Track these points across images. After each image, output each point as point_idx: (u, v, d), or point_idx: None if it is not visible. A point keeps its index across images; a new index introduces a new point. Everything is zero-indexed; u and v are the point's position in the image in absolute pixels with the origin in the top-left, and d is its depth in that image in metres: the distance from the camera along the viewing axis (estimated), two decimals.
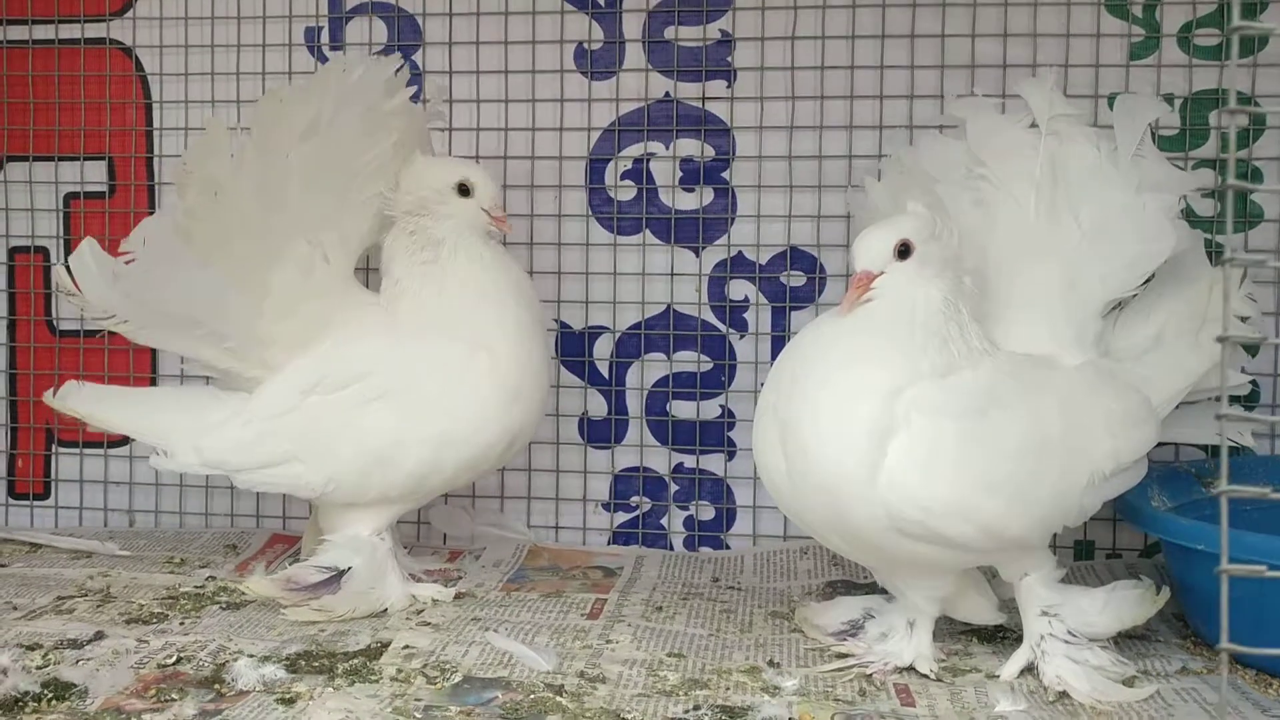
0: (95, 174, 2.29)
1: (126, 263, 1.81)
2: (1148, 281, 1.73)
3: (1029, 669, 1.58)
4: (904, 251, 1.54)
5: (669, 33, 2.14)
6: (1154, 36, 2.04)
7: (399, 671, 1.56)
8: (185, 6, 2.25)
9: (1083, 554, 2.09)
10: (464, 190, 1.85)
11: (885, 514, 1.49)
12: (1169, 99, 2.02)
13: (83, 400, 1.88)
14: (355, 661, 1.60)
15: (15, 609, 1.81)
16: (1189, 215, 1.97)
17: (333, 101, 1.79)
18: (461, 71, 2.19)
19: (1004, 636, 1.72)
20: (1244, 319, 1.78)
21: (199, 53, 2.25)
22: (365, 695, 1.48)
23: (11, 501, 2.34)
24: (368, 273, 1.97)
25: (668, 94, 2.14)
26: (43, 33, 2.28)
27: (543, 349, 1.91)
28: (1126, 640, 1.68)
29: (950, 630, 1.75)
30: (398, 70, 1.86)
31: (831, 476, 1.50)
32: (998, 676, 1.57)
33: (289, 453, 1.81)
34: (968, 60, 2.08)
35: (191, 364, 1.89)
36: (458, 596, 1.88)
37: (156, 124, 2.27)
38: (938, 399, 1.51)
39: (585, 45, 2.17)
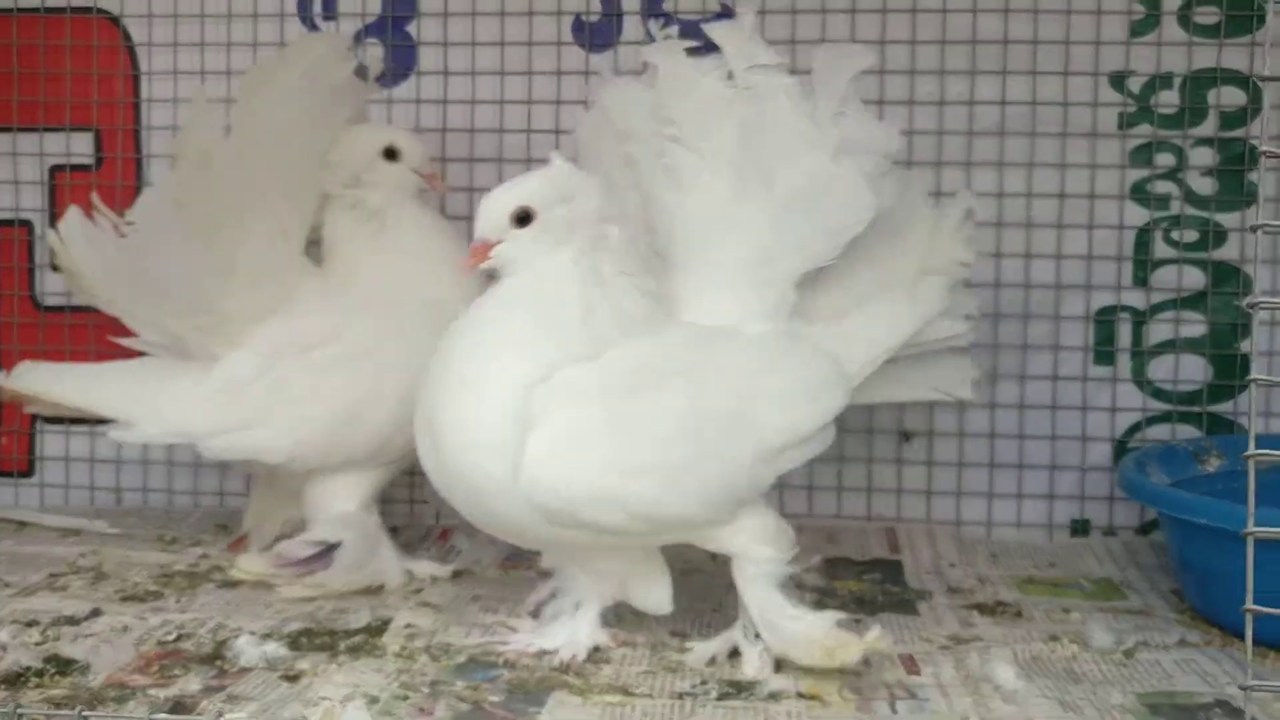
0: (82, 146, 2.25)
1: (124, 235, 1.82)
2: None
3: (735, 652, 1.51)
4: (523, 218, 1.45)
5: (668, 5, 2.12)
6: (1154, 14, 2.04)
7: (403, 649, 1.55)
8: None
9: (1079, 531, 2.10)
10: (390, 154, 1.87)
11: (531, 508, 1.42)
12: (1168, 77, 2.03)
13: (39, 379, 1.87)
14: (357, 639, 1.58)
15: (8, 585, 1.78)
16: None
17: (303, 71, 1.81)
18: (457, 43, 2.16)
19: (1004, 610, 1.73)
20: (964, 264, 1.66)
21: (189, 22, 2.20)
22: (371, 670, 1.47)
23: None
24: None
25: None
26: (28, 1, 2.23)
27: None
28: (1126, 615, 1.69)
29: (951, 604, 1.76)
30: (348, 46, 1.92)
31: (472, 472, 1.43)
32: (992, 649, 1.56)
33: (254, 417, 1.80)
34: (968, 35, 2.07)
35: (149, 341, 1.88)
36: (455, 574, 1.87)
37: (145, 96, 2.23)
38: (580, 384, 1.44)
39: (583, 17, 2.15)
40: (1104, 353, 2.09)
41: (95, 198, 1.89)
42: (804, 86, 1.55)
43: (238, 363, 1.80)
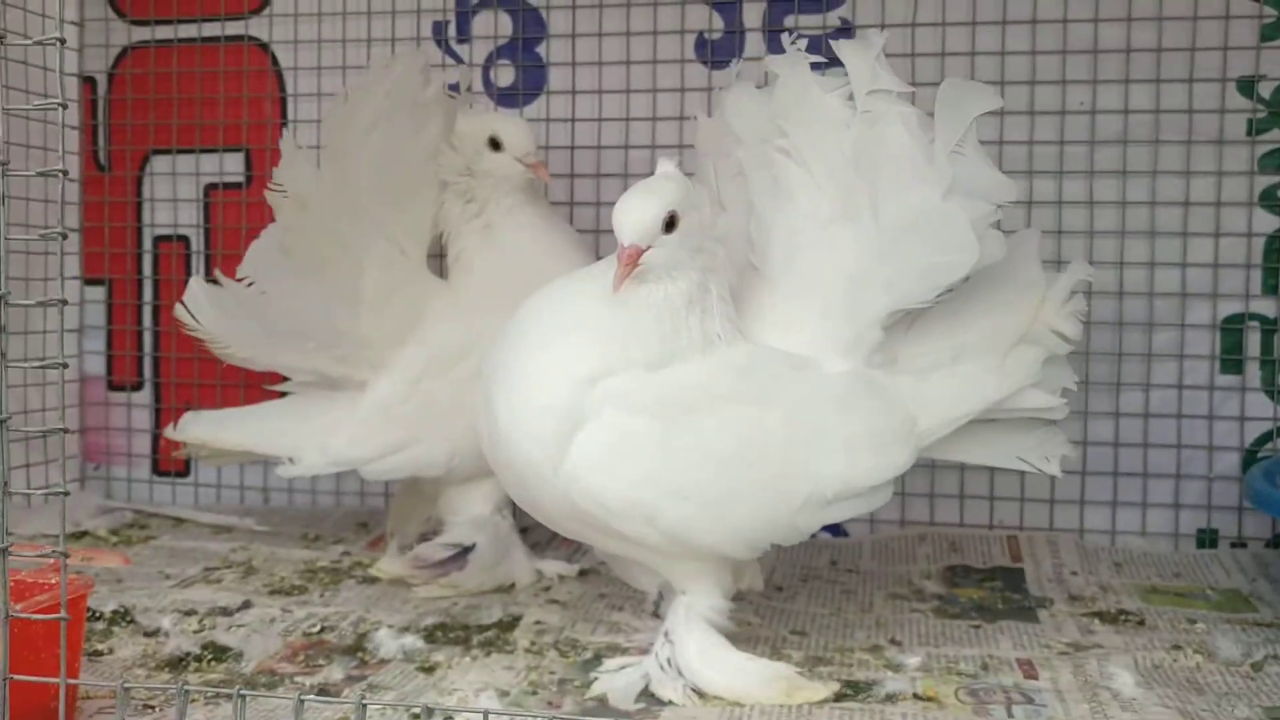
0: (233, 165, 2.40)
1: (247, 285, 1.92)
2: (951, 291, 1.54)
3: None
4: (670, 224, 1.41)
5: (789, 21, 2.17)
6: None
7: (532, 644, 1.62)
8: (319, 3, 2.34)
9: (1206, 543, 2.08)
10: (495, 144, 1.92)
11: (568, 504, 1.41)
12: None
13: (201, 426, 1.97)
14: (489, 634, 1.66)
15: (168, 578, 1.91)
16: None
17: (384, 96, 1.87)
18: (584, 63, 2.25)
19: (1126, 618, 1.73)
20: (1066, 340, 1.56)
21: (331, 47, 2.33)
22: (501, 667, 1.54)
23: (155, 479, 2.46)
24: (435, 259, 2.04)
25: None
26: (186, 31, 2.39)
27: None
28: (1255, 628, 1.67)
29: (1072, 612, 1.76)
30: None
31: (518, 457, 1.42)
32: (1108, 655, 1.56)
33: (410, 438, 1.89)
34: (1089, 45, 2.07)
35: (299, 381, 1.97)
36: (582, 573, 1.94)
37: (291, 116, 2.37)
38: (637, 392, 1.41)
39: (706, 35, 2.21)
40: (1231, 361, 2.07)
41: (218, 273, 1.97)
42: (923, 119, 1.49)
43: (386, 388, 1.89)
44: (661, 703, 1.42)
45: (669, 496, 1.40)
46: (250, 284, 1.92)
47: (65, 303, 1.02)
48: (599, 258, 1.78)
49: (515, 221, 1.93)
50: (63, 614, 1.01)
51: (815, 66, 1.57)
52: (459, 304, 1.92)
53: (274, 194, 1.86)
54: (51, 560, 1.39)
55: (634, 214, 1.41)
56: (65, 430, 1.02)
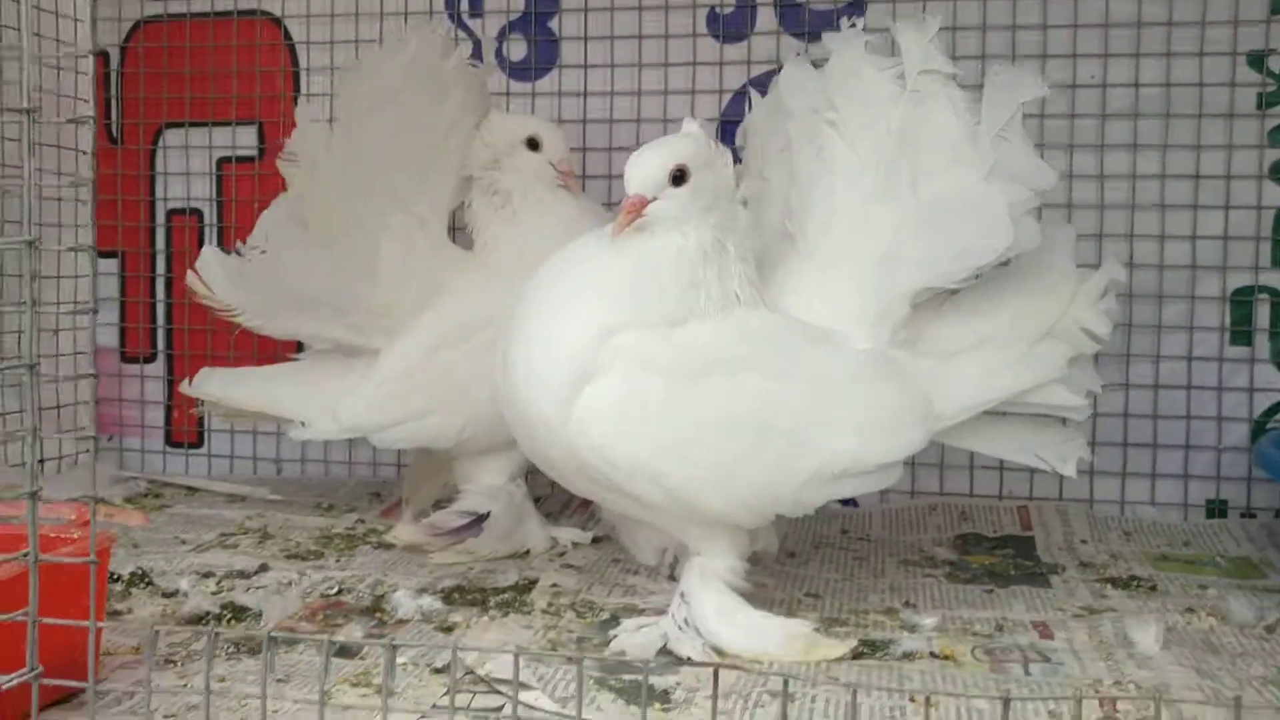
0: (246, 139, 2.41)
1: (261, 253, 1.93)
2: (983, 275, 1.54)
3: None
4: (678, 178, 1.42)
5: None
6: None
7: (549, 605, 1.63)
8: None
9: (1215, 512, 2.09)
10: (533, 144, 1.92)
11: (574, 459, 1.41)
12: None
13: (217, 384, 1.99)
14: (506, 595, 1.67)
15: (184, 543, 1.93)
16: None
17: (401, 66, 1.88)
18: (596, 37, 2.26)
19: (1138, 584, 1.74)
20: (1096, 339, 1.56)
21: (344, 21, 2.34)
22: (519, 627, 1.56)
23: (169, 449, 2.47)
24: (454, 234, 2.05)
25: (799, 54, 2.17)
26: (199, 5, 2.39)
27: None
28: (1266, 593, 1.69)
29: (1084, 578, 1.77)
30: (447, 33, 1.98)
31: (530, 409, 1.42)
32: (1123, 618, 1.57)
33: (424, 407, 1.89)
34: (1100, 19, 2.08)
35: (318, 344, 1.98)
36: (595, 540, 1.95)
37: (304, 90, 2.38)
38: (650, 349, 1.41)
39: (717, 9, 2.22)
40: (1241, 333, 2.08)
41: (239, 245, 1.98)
42: (971, 102, 1.51)
43: (401, 353, 1.89)
44: (680, 659, 1.43)
45: (675, 457, 1.41)
46: (263, 252, 1.92)
47: (94, 248, 1.03)
48: None
49: (541, 209, 1.92)
50: (92, 557, 1.02)
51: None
52: (481, 276, 1.92)
53: (286, 163, 1.87)
54: (74, 517, 1.41)
55: (641, 164, 1.44)
56: (94, 375, 1.03)
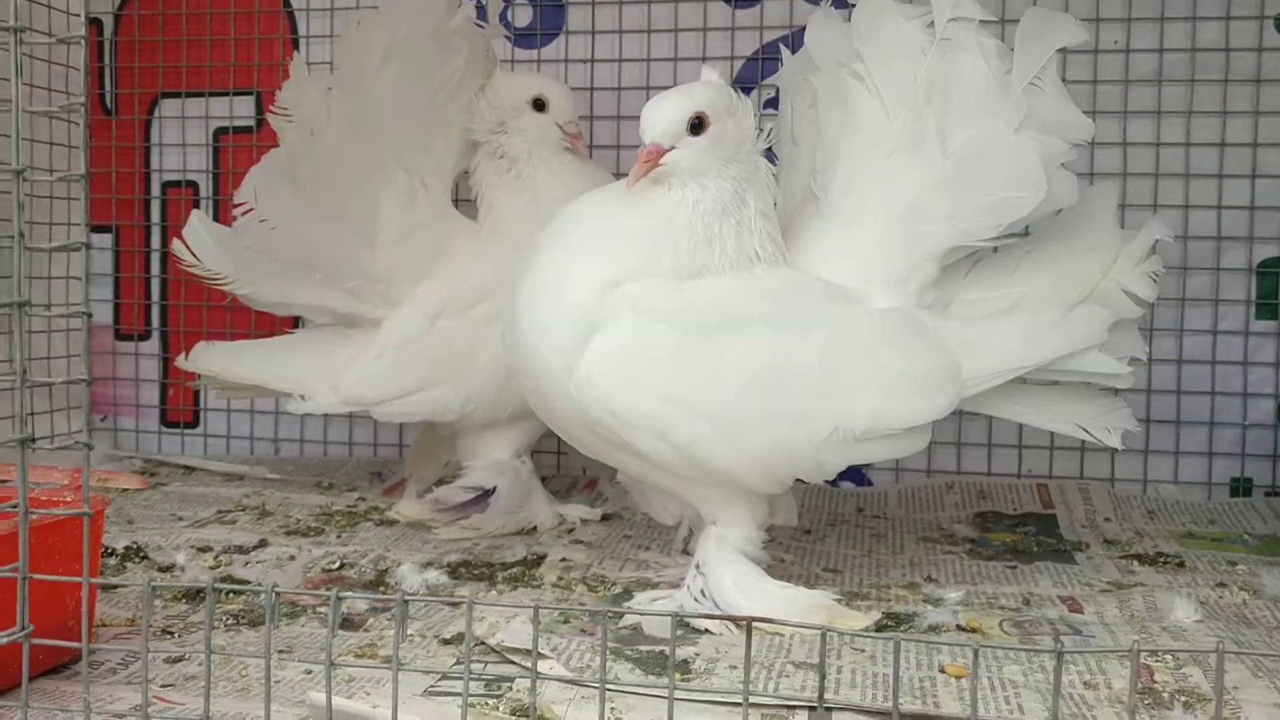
0: (244, 109, 2.35)
1: (243, 214, 1.86)
2: (1023, 234, 1.50)
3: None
4: (697, 126, 1.36)
5: None
6: None
7: (560, 579, 1.58)
8: None
9: (1240, 490, 2.04)
10: (539, 105, 1.87)
11: (580, 411, 1.36)
12: None
13: (214, 358, 1.92)
14: (515, 570, 1.62)
15: (181, 519, 1.86)
16: None
17: (404, 25, 1.82)
18: (604, 2, 2.20)
19: (1165, 560, 1.69)
20: (1140, 302, 1.50)
21: None
22: (529, 600, 1.50)
23: (164, 429, 2.41)
24: (458, 205, 1.99)
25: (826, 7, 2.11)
26: None
27: None
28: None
29: (1109, 555, 1.72)
30: None
31: (535, 361, 1.38)
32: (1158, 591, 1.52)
33: (425, 379, 1.83)
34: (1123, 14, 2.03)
35: (315, 316, 1.92)
36: (604, 517, 1.89)
37: (303, 59, 2.29)
38: (661, 300, 1.35)
39: None
40: (1267, 306, 2.03)
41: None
42: (1003, 50, 1.44)
43: (401, 325, 1.83)
44: (698, 631, 1.37)
45: (683, 412, 1.35)
46: (249, 211, 1.85)
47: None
48: None
49: (548, 172, 1.87)
50: (85, 509, 0.96)
51: None
52: (485, 244, 1.87)
53: (279, 119, 1.80)
54: (66, 481, 1.36)
55: (658, 112, 1.38)
56: (88, 313, 0.97)
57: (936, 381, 1.43)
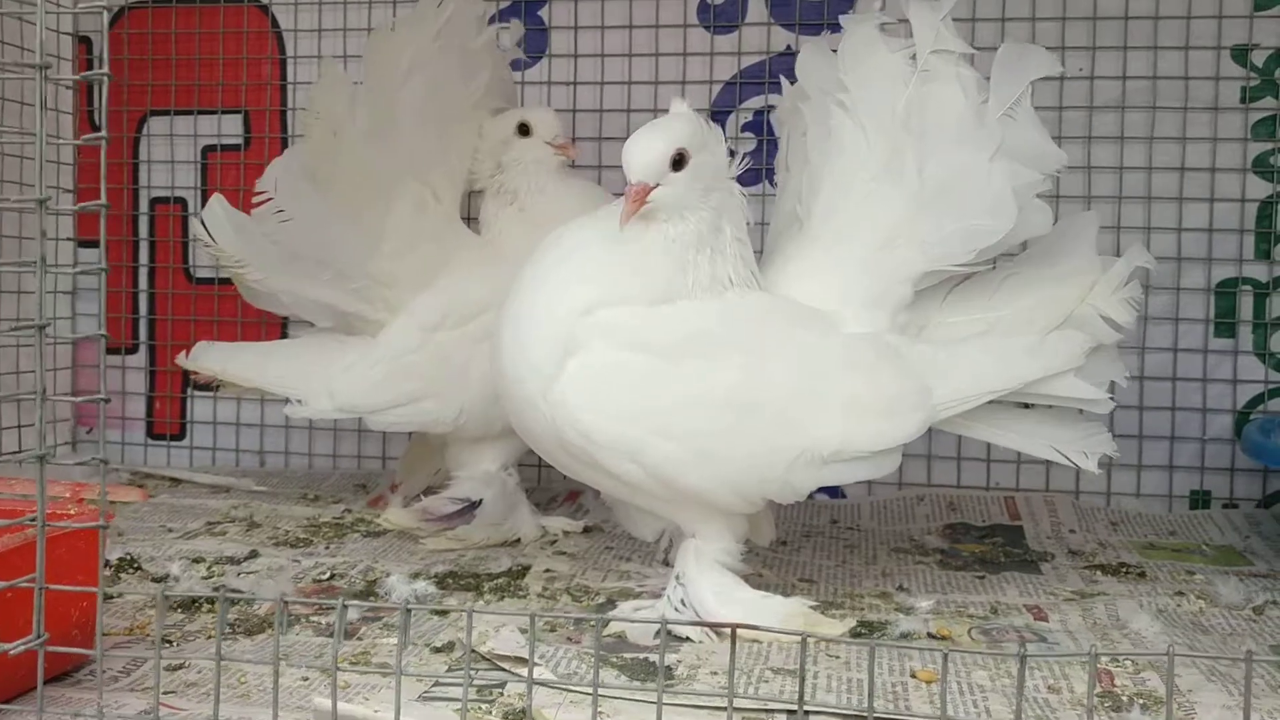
0: (232, 127, 2.39)
1: (260, 203, 1.91)
2: (993, 263, 1.54)
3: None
4: (678, 162, 1.41)
5: None
6: None
7: (545, 589, 1.63)
8: None
9: (1199, 502, 2.12)
10: (524, 130, 1.93)
11: (555, 433, 1.42)
12: None
13: (214, 359, 1.95)
14: (501, 581, 1.66)
15: (171, 531, 1.90)
16: None
17: (432, 38, 1.87)
18: (587, 26, 2.26)
19: (1127, 570, 1.75)
20: (1117, 328, 1.53)
21: (332, 9, 2.34)
22: (516, 610, 1.55)
23: (150, 442, 2.45)
24: (467, 222, 2.04)
25: (789, 47, 2.18)
26: None
27: None
28: (1252, 578, 1.70)
29: (1074, 565, 1.78)
30: (483, 12, 1.96)
31: (515, 384, 1.44)
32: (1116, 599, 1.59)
33: (420, 390, 1.88)
34: (1089, 11, 2.10)
35: (318, 315, 1.96)
36: (586, 529, 1.94)
37: (291, 78, 2.36)
38: (632, 326, 1.41)
39: (708, 0, 2.22)
40: (1225, 325, 2.10)
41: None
42: (981, 82, 1.49)
43: (399, 335, 1.88)
44: (679, 639, 1.43)
45: (654, 434, 1.40)
46: (268, 200, 1.90)
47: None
48: None
49: (547, 198, 1.92)
50: (102, 521, 1.01)
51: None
52: (485, 264, 1.90)
53: (307, 115, 1.85)
54: (69, 495, 1.40)
55: (641, 151, 1.41)
56: (104, 335, 1.02)
57: (906, 405, 1.47)
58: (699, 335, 1.43)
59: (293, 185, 1.89)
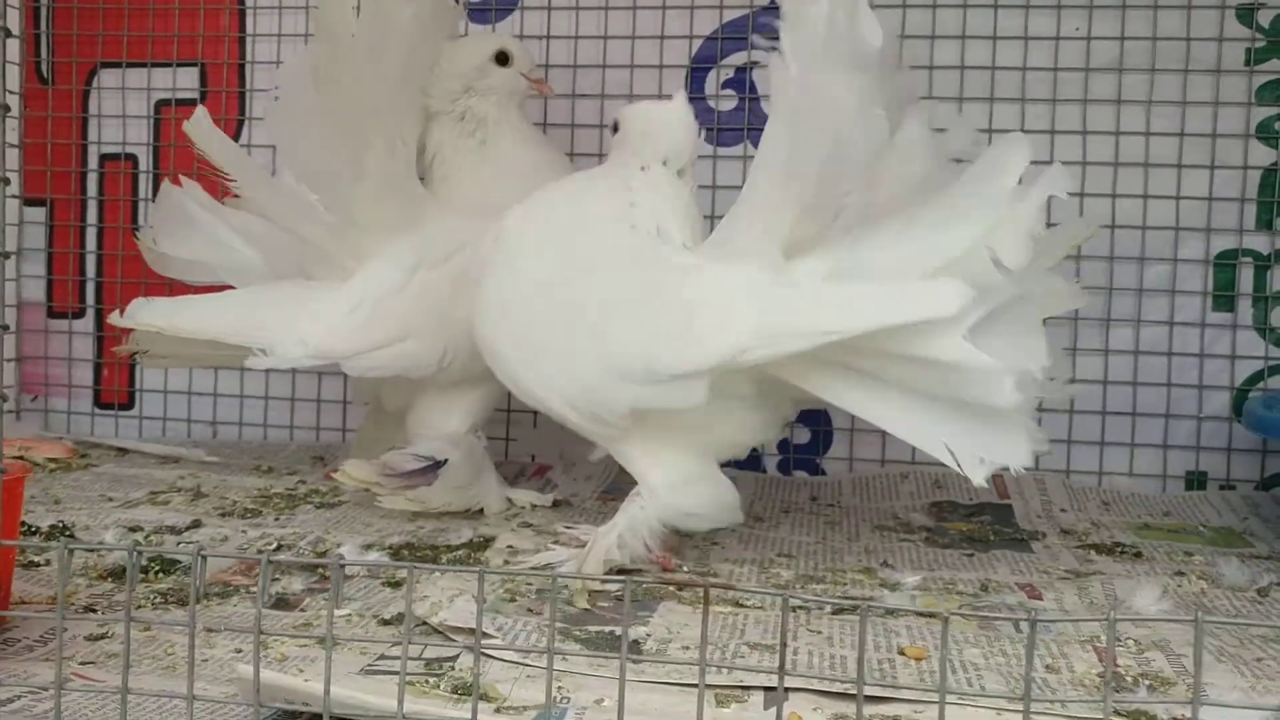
0: (187, 80, 2.27)
1: (275, 99, 1.85)
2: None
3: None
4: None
5: None
6: None
7: (506, 562, 1.53)
8: None
9: (1194, 484, 2.03)
10: (502, 59, 1.86)
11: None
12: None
13: (157, 314, 1.79)
14: (459, 553, 1.57)
15: (111, 500, 1.79)
16: None
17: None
18: None
19: (1123, 550, 1.66)
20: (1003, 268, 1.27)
21: None
22: (474, 578, 1.44)
23: (97, 411, 2.33)
24: None
25: (773, 2, 2.08)
26: None
27: None
28: (1253, 560, 1.62)
29: (1066, 544, 1.69)
30: None
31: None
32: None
33: (401, 331, 1.77)
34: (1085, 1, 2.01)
35: (245, 274, 1.87)
36: (555, 504, 1.84)
37: (250, 30, 2.25)
38: (519, 251, 1.58)
39: None
40: (1224, 298, 2.02)
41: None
42: None
43: (378, 276, 1.77)
44: (652, 608, 1.33)
45: (506, 342, 1.57)
46: (275, 99, 1.83)
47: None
48: None
49: (509, 135, 1.88)
50: None
51: None
52: (451, 206, 1.84)
53: (315, 17, 1.81)
54: None
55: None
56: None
57: (709, 330, 1.40)
58: (565, 255, 1.56)
59: (301, 87, 1.75)
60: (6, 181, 0.96)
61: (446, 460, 1.74)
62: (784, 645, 0.77)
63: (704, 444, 1.52)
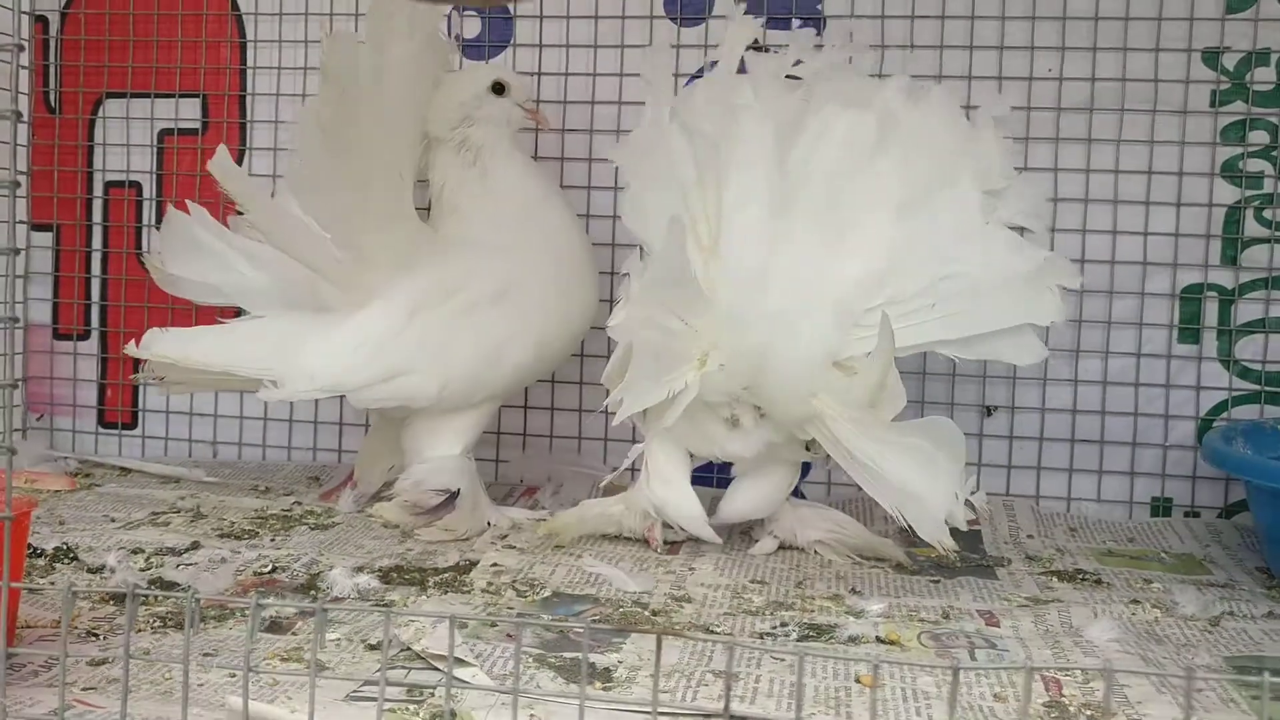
0: (189, 111, 2.34)
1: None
2: None
3: None
4: None
5: None
6: None
7: (489, 584, 1.60)
8: None
9: (1160, 510, 2.09)
10: (499, 89, 1.93)
11: None
12: (1265, 54, 2.02)
13: (170, 345, 1.87)
14: (446, 576, 1.63)
15: (113, 520, 1.86)
16: None
17: (408, 19, 1.84)
18: (552, 16, 2.22)
19: (1084, 577, 1.73)
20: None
21: None
22: (459, 603, 1.52)
23: (101, 430, 2.40)
24: None
25: (757, 41, 2.14)
26: None
27: (589, 246, 2.02)
28: (1210, 588, 1.68)
29: (1030, 571, 1.76)
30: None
31: None
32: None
33: (403, 366, 1.85)
34: (1058, 11, 2.08)
35: (259, 300, 1.91)
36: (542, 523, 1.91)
37: (250, 62, 2.32)
38: None
39: None
40: (1189, 330, 2.08)
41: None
42: None
43: (381, 318, 1.85)
44: (621, 639, 1.39)
45: None
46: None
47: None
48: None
49: (509, 167, 1.94)
50: (6, 512, 0.97)
51: None
52: (452, 242, 1.91)
53: (321, 65, 1.83)
54: None
55: None
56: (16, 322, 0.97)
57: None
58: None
59: (310, 135, 1.82)
60: (16, 184, 1.02)
61: (459, 490, 1.85)
62: (729, 688, 0.84)
63: None
